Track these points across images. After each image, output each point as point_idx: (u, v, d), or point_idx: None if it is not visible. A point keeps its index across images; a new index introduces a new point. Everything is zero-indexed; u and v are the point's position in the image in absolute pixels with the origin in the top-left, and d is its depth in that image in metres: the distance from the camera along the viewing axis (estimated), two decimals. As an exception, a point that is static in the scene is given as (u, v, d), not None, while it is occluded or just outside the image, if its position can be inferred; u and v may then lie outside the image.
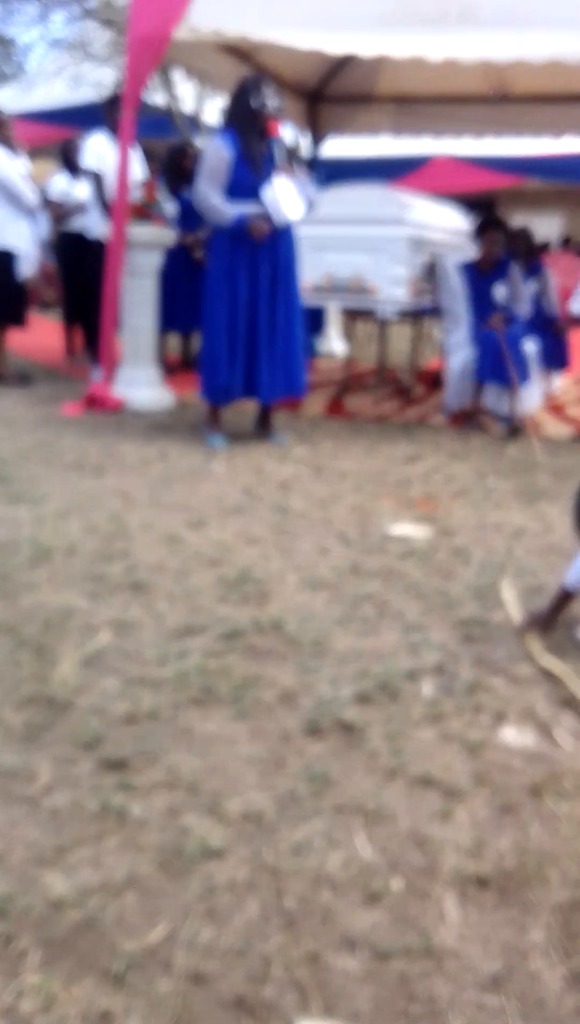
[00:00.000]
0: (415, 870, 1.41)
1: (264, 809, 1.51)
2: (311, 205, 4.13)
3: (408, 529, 3.00)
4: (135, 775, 1.59)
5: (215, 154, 3.94)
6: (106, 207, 5.06)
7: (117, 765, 1.61)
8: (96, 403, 4.74)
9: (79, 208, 6.06)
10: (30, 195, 5.36)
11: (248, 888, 1.35)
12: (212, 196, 3.93)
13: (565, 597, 2.17)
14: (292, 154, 4.02)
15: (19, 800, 1.51)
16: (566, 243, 11.64)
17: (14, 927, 1.26)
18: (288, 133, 5.10)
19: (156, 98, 8.36)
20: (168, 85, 8.29)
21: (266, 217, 3.94)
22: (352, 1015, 1.15)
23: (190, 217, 5.75)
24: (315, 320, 7.06)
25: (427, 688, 1.94)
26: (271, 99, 3.94)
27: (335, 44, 4.32)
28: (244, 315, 4.04)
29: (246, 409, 4.44)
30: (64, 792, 1.53)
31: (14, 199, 5.29)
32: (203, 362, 4.24)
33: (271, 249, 4.03)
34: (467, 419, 4.80)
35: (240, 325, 4.04)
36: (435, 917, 1.32)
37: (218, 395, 4.20)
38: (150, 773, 1.59)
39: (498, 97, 6.69)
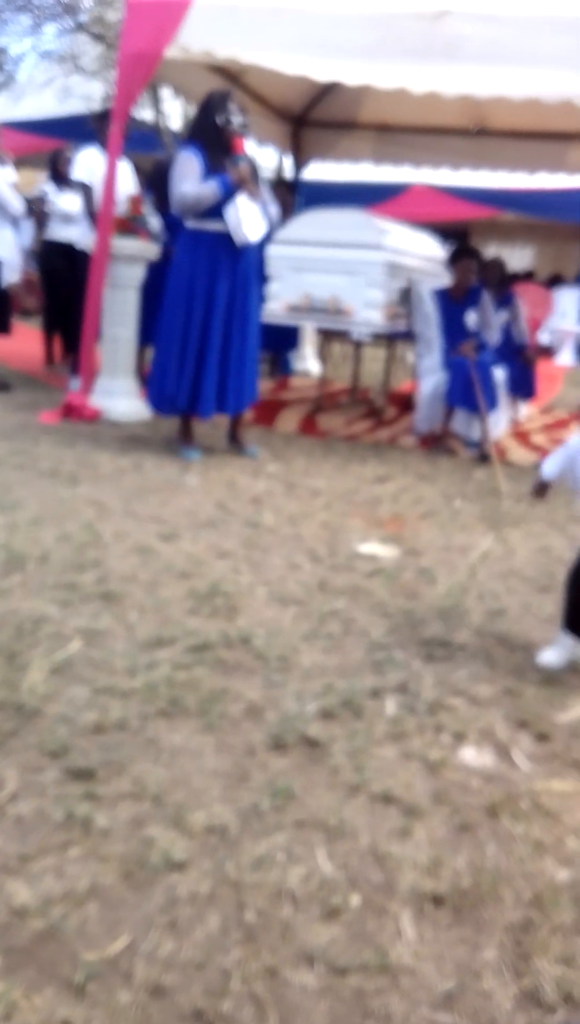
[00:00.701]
0: (373, 886, 1.44)
1: (227, 823, 1.53)
2: (272, 225, 4.17)
3: (376, 548, 3.04)
4: (101, 785, 1.60)
5: (187, 160, 3.95)
6: (94, 219, 5.09)
7: (83, 774, 1.62)
8: (73, 412, 4.74)
9: (60, 215, 6.08)
10: (16, 203, 5.37)
11: (209, 901, 1.37)
12: (189, 188, 3.90)
13: (543, 485, 2.32)
14: (255, 171, 4.04)
15: (-16, 807, 1.52)
16: (529, 276, 11.84)
17: (-25, 934, 1.26)
18: (253, 149, 5.14)
19: (144, 114, 8.40)
20: (156, 101, 8.34)
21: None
22: (308, 1029, 1.18)
23: (173, 232, 5.79)
24: (291, 339, 7.13)
25: (390, 706, 1.98)
26: (236, 115, 3.97)
27: (321, 70, 4.39)
28: (197, 331, 4.06)
29: (220, 424, 4.48)
30: (30, 800, 1.54)
31: (0, 207, 5.30)
32: (153, 371, 4.27)
33: (231, 267, 4.06)
34: (436, 442, 4.87)
35: (192, 340, 4.07)
36: (392, 934, 1.35)
37: (163, 405, 4.22)
38: (116, 783, 1.61)
39: (476, 131, 6.84)
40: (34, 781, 1.59)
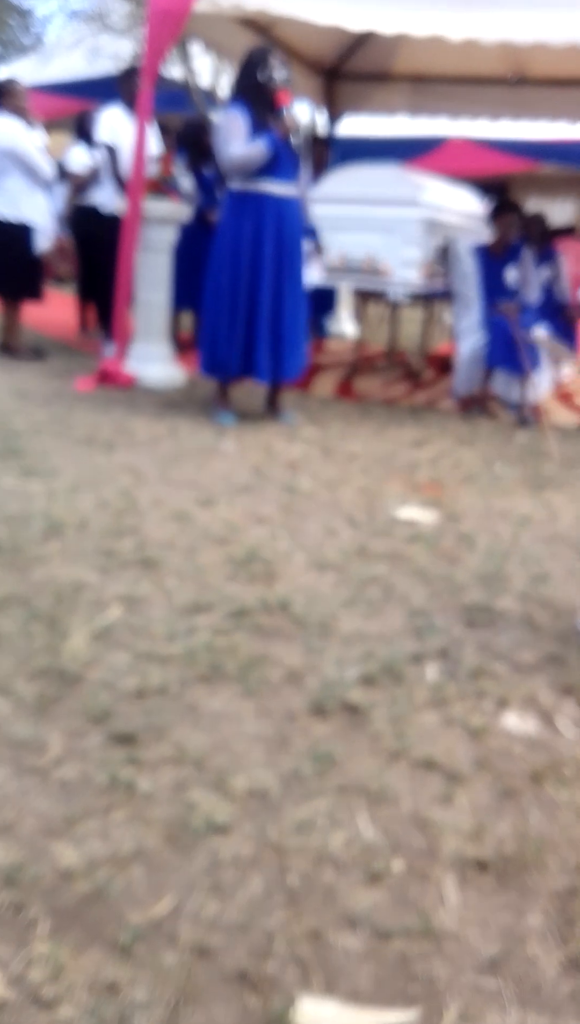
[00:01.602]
0: (416, 852, 1.43)
1: (269, 787, 1.54)
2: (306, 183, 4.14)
3: (415, 513, 3.01)
4: (143, 749, 1.61)
5: (233, 120, 3.89)
6: (120, 181, 5.03)
7: (126, 739, 1.63)
8: (108, 379, 4.74)
9: (94, 177, 6.01)
10: (46, 168, 5.33)
11: (252, 864, 1.38)
12: (237, 149, 3.84)
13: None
14: (316, 140, 4.00)
15: (30, 771, 1.54)
16: (570, 231, 11.50)
17: (24, 896, 1.28)
18: (303, 112, 5.10)
19: (172, 72, 8.26)
20: (185, 58, 8.19)
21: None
22: (352, 993, 1.18)
23: (208, 193, 5.72)
24: (327, 301, 7.04)
25: (431, 672, 1.96)
26: (278, 71, 3.90)
27: (354, 20, 4.27)
28: (245, 293, 4.02)
29: (255, 388, 4.44)
30: (74, 764, 1.56)
31: (30, 172, 5.26)
32: (202, 338, 4.23)
33: (277, 228, 4.00)
34: (476, 404, 4.79)
35: (241, 303, 4.03)
36: (435, 899, 1.34)
37: (216, 371, 4.19)
38: (158, 748, 1.62)
39: (515, 80, 6.62)
40: (77, 746, 1.61)
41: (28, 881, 1.30)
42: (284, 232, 4.02)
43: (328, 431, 4.12)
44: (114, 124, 5.13)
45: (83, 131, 6.31)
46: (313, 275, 4.23)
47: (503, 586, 2.45)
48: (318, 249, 4.24)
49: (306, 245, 4.15)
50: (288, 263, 4.06)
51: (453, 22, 4.08)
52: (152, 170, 4.76)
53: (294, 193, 4.07)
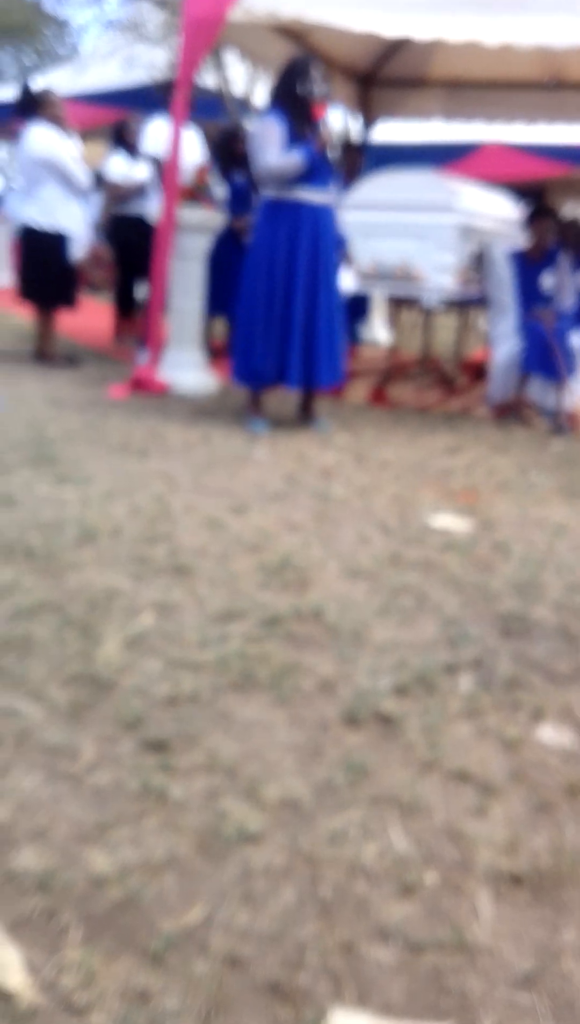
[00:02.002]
0: (449, 864, 1.42)
1: (301, 796, 1.53)
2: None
3: (448, 521, 2.99)
4: (175, 757, 1.61)
5: (270, 128, 3.89)
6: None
7: (158, 746, 1.63)
8: (141, 386, 4.78)
9: (138, 189, 6.08)
10: (82, 177, 5.40)
11: (284, 874, 1.37)
12: (273, 159, 3.86)
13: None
14: (349, 146, 4.01)
15: (63, 777, 1.55)
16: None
17: (56, 902, 1.29)
18: (337, 119, 5.11)
19: (207, 80, 8.33)
20: (220, 67, 8.24)
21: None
22: (384, 1005, 1.17)
23: (240, 201, 5.75)
24: (360, 307, 7.03)
25: (465, 682, 1.94)
26: (319, 85, 3.90)
27: (390, 26, 4.28)
28: (280, 301, 4.03)
29: (288, 395, 4.45)
30: (106, 771, 1.57)
31: (66, 181, 5.33)
32: (236, 346, 4.24)
33: (313, 236, 4.01)
34: (511, 411, 4.75)
35: (275, 311, 4.03)
36: (468, 912, 1.33)
37: (249, 379, 4.20)
38: (190, 755, 1.62)
39: (553, 83, 6.58)
40: (110, 752, 1.62)
41: (60, 887, 1.31)
42: (319, 239, 4.03)
43: (361, 438, 4.12)
44: (160, 135, 5.20)
45: (120, 140, 6.38)
46: (346, 282, 4.24)
47: (538, 595, 2.42)
48: (347, 258, 4.25)
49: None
50: (323, 270, 4.07)
51: (489, 27, 4.06)
52: (188, 178, 4.80)
53: (329, 201, 4.08)
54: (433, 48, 6.24)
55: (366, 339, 7.35)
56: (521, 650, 2.10)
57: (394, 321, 6.60)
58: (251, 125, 7.11)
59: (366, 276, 5.01)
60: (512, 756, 1.69)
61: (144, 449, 3.66)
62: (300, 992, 1.18)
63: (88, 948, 1.21)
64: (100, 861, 1.36)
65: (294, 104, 3.90)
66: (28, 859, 1.36)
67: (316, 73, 3.91)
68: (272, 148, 3.85)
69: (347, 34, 4.58)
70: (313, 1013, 1.14)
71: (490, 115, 7.18)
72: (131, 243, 6.13)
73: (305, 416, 4.35)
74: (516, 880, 1.39)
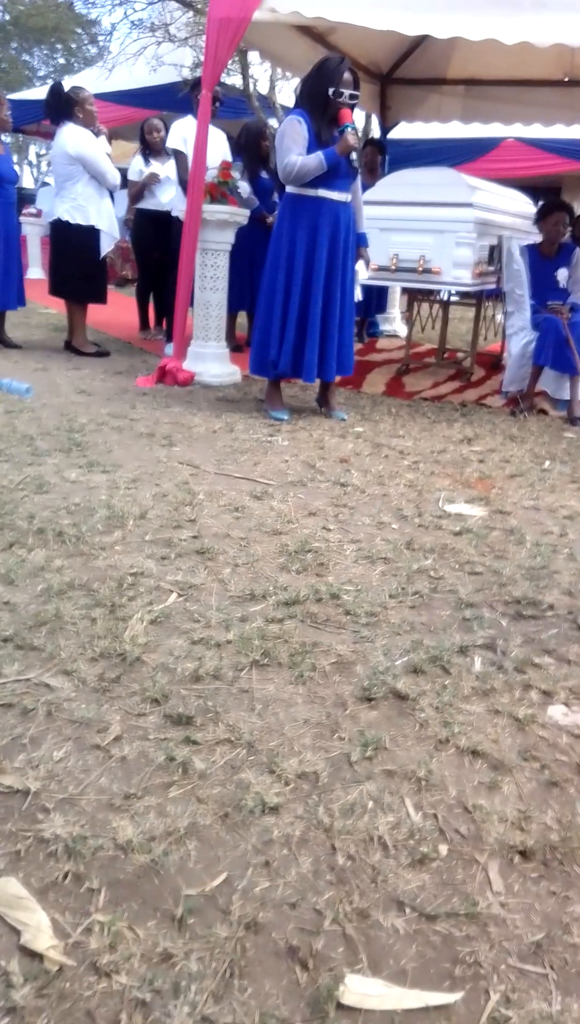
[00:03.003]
0: (462, 837, 1.46)
1: (319, 770, 1.58)
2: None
3: (463, 508, 3.03)
4: (199, 731, 1.67)
5: (295, 127, 3.90)
6: (185, 187, 5.13)
7: (182, 720, 1.69)
8: (167, 376, 4.85)
9: (154, 179, 6.15)
10: (114, 174, 5.46)
11: (302, 844, 1.42)
12: (295, 159, 3.86)
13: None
14: (370, 142, 4.02)
15: (91, 748, 1.60)
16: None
17: (84, 867, 1.33)
18: (359, 117, 5.11)
19: (232, 79, 8.34)
20: (244, 66, 8.25)
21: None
22: (398, 972, 1.21)
23: (264, 199, 5.81)
24: (379, 301, 7.05)
25: (478, 663, 1.99)
26: (348, 88, 3.87)
27: (410, 24, 4.28)
28: (298, 295, 4.06)
29: (308, 386, 4.49)
30: (133, 743, 1.62)
31: (98, 178, 5.39)
32: (254, 336, 4.29)
33: (332, 232, 4.03)
34: (525, 402, 4.78)
35: (294, 305, 4.07)
36: (480, 884, 1.37)
37: (266, 371, 4.25)
38: (213, 730, 1.67)
39: (569, 80, 6.56)
40: (137, 725, 1.67)
41: (88, 853, 1.36)
42: (339, 235, 4.06)
43: (379, 428, 4.15)
44: (185, 133, 5.25)
45: (143, 139, 6.45)
46: (361, 273, 4.27)
47: (550, 581, 2.45)
48: (364, 254, 4.28)
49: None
50: (341, 266, 4.10)
51: (507, 25, 4.06)
52: (213, 175, 4.84)
53: (347, 199, 4.09)
54: (452, 47, 6.24)
55: (384, 331, 7.38)
56: (533, 634, 2.14)
57: (411, 314, 6.63)
58: (275, 124, 7.14)
59: (385, 270, 5.04)
60: (523, 735, 1.73)
61: (170, 437, 3.72)
62: (317, 957, 1.22)
63: (114, 912, 1.26)
64: (126, 829, 1.41)
65: (322, 105, 3.89)
66: (57, 826, 1.41)
67: (347, 76, 3.88)
68: (295, 147, 3.86)
69: (367, 34, 4.58)
70: (328, 978, 1.18)
71: (508, 113, 7.11)
72: (150, 238, 6.19)
73: (324, 406, 4.39)
74: (526, 854, 1.43)
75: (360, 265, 4.19)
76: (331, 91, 3.86)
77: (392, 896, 1.33)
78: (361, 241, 4.24)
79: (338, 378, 4.46)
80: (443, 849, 1.43)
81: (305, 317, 4.08)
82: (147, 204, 6.32)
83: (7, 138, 5.96)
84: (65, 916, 1.25)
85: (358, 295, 4.27)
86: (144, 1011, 1.12)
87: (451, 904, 1.32)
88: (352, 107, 3.91)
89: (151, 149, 6.29)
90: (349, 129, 3.86)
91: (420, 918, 1.30)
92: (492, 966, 1.23)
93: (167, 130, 5.74)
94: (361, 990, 1.18)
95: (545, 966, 1.23)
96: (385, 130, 7.39)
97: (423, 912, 1.31)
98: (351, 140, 3.85)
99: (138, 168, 6.38)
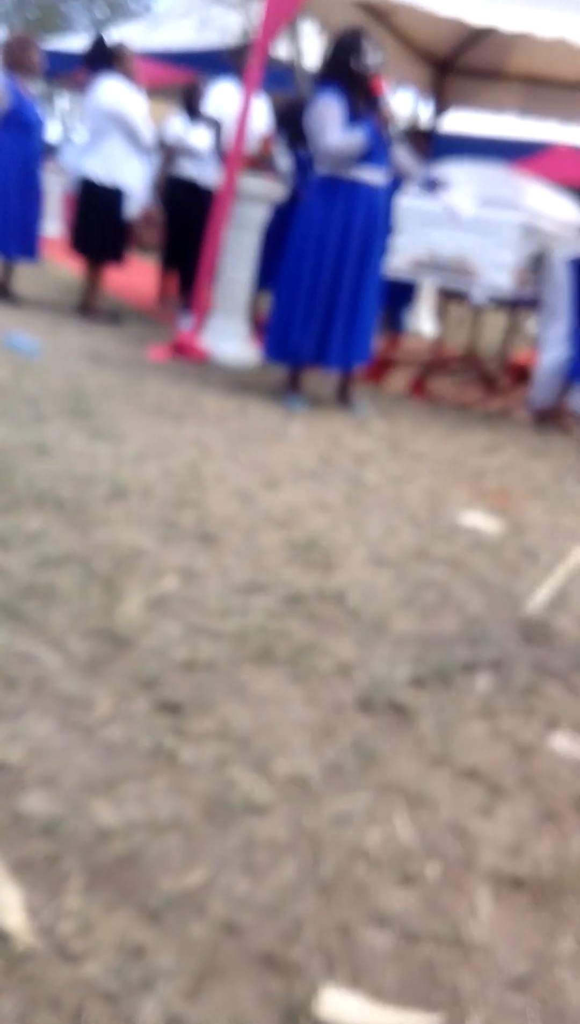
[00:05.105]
0: (452, 859, 1.41)
1: (310, 775, 1.53)
2: (406, 175, 4.08)
3: (479, 520, 2.96)
4: (188, 720, 1.61)
5: (329, 107, 3.78)
6: (222, 156, 5.03)
7: (172, 708, 1.63)
8: (182, 350, 4.76)
9: (188, 152, 6.03)
10: (148, 134, 5.35)
11: (286, 849, 1.37)
12: (335, 139, 3.75)
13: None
14: (417, 132, 3.94)
15: (76, 727, 1.55)
16: None
17: (60, 849, 1.29)
18: (405, 102, 5.03)
19: (279, 50, 8.21)
20: (295, 38, 8.13)
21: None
22: (376, 990, 1.17)
23: (304, 175, 5.69)
24: (408, 294, 6.94)
25: (482, 682, 1.93)
26: (372, 56, 3.76)
27: (477, 15, 4.20)
28: (327, 281, 3.96)
29: (327, 377, 4.42)
30: (119, 726, 1.57)
31: (132, 136, 5.28)
32: (273, 319, 4.15)
33: (366, 218, 3.94)
34: (552, 418, 4.70)
35: (321, 290, 3.97)
36: (467, 909, 1.32)
37: (285, 356, 4.13)
38: (203, 721, 1.62)
39: None
40: (125, 708, 1.62)
41: (65, 835, 1.32)
42: (373, 221, 3.97)
43: (398, 427, 4.09)
44: (222, 99, 5.14)
45: (189, 104, 6.33)
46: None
47: (562, 604, 2.40)
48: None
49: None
50: (372, 253, 4.01)
51: (578, 24, 3.97)
52: (253, 147, 4.75)
53: (384, 180, 4.00)
54: (516, 41, 6.11)
55: (411, 329, 7.29)
56: (541, 658, 2.09)
57: (442, 314, 6.53)
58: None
59: (420, 264, 4.95)
60: (523, 761, 1.68)
61: (180, 414, 3.65)
62: (293, 966, 1.18)
63: (88, 897, 1.22)
64: (106, 814, 1.37)
65: (351, 80, 3.77)
66: (36, 803, 1.36)
67: (368, 45, 3.75)
68: (332, 128, 3.74)
69: (430, 17, 4.49)
70: (304, 988, 1.14)
71: (567, 115, 7.03)
72: (182, 206, 6.09)
73: (343, 399, 4.31)
74: (517, 883, 1.39)
75: (462, 200, 4.03)
76: (355, 63, 3.74)
77: (375, 913, 1.29)
78: (440, 187, 4.08)
79: (358, 372, 4.38)
80: (431, 869, 1.39)
81: (333, 304, 3.99)
82: (183, 172, 6.20)
83: (36, 87, 5.85)
84: (37, 896, 1.21)
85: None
86: (111, 1002, 1.08)
87: (435, 927, 1.28)
88: (379, 74, 3.79)
89: (196, 115, 6.16)
90: (383, 100, 3.76)
91: (403, 938, 1.26)
92: (473, 994, 1.19)
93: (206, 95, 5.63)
94: (337, 1004, 1.15)
95: (527, 999, 1.19)
96: (436, 117, 7.26)
97: (406, 932, 1.27)
98: (386, 110, 3.75)
99: (177, 132, 6.25)
